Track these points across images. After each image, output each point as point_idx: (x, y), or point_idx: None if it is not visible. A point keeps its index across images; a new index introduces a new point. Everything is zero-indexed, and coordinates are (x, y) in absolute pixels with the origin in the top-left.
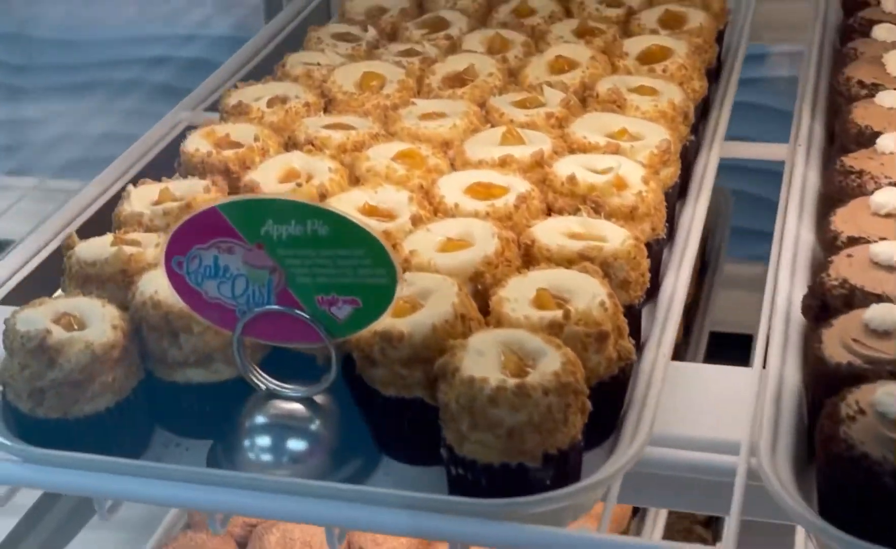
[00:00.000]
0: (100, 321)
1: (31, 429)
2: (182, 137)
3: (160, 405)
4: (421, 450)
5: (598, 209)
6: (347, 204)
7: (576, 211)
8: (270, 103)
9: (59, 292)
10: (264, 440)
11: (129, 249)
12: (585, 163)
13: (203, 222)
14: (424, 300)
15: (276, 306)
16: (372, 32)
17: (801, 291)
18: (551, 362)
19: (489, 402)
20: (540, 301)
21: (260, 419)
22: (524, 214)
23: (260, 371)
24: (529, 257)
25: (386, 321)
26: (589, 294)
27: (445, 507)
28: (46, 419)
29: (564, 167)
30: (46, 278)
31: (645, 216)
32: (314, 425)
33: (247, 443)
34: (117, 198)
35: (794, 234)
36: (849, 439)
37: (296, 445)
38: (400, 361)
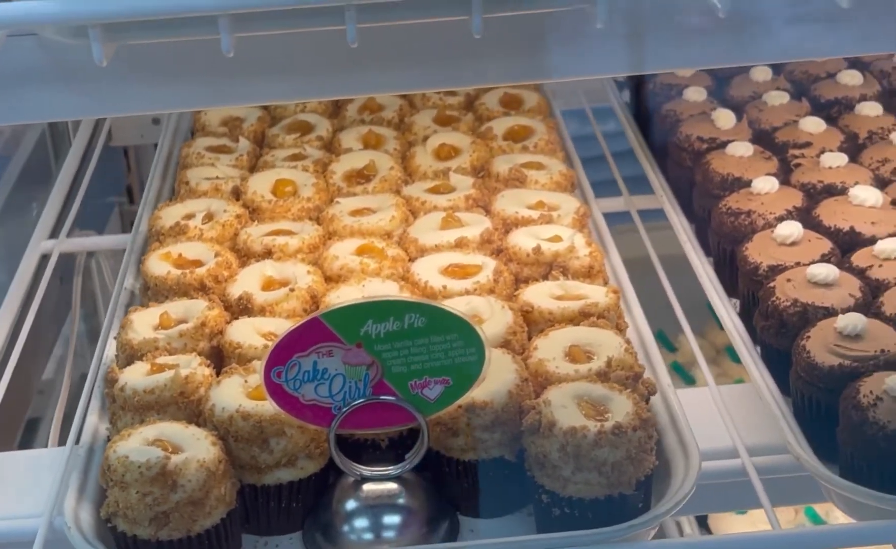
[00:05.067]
0: (195, 441)
1: None
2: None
3: (248, 509)
4: (499, 502)
5: (565, 273)
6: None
7: (545, 277)
8: (205, 220)
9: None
10: (363, 521)
11: (182, 372)
12: (531, 234)
13: (304, 332)
14: None
15: (377, 397)
16: (245, 142)
17: None
18: (623, 403)
19: (594, 445)
20: (573, 356)
21: (357, 503)
22: (503, 286)
23: (349, 461)
24: (529, 322)
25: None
26: (613, 343)
27: (585, 541)
28: (170, 541)
29: (522, 240)
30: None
31: (598, 273)
32: (406, 500)
33: (346, 528)
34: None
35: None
36: (879, 420)
37: (393, 520)
38: (481, 426)
